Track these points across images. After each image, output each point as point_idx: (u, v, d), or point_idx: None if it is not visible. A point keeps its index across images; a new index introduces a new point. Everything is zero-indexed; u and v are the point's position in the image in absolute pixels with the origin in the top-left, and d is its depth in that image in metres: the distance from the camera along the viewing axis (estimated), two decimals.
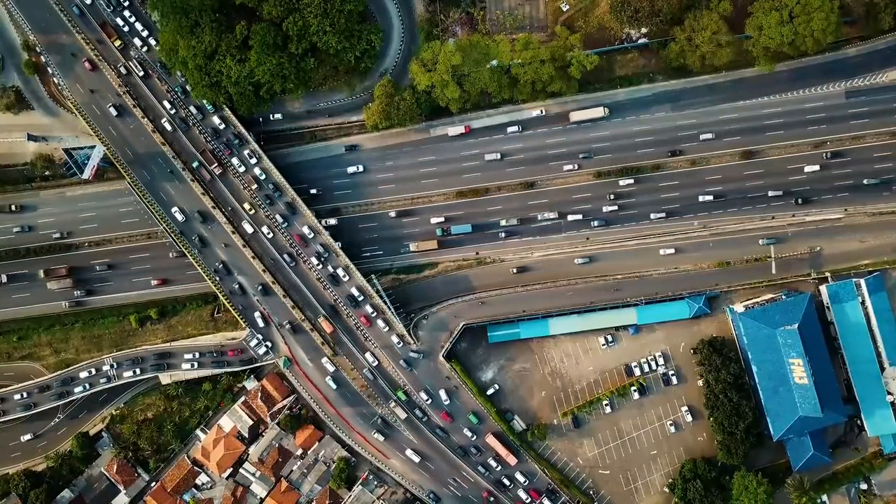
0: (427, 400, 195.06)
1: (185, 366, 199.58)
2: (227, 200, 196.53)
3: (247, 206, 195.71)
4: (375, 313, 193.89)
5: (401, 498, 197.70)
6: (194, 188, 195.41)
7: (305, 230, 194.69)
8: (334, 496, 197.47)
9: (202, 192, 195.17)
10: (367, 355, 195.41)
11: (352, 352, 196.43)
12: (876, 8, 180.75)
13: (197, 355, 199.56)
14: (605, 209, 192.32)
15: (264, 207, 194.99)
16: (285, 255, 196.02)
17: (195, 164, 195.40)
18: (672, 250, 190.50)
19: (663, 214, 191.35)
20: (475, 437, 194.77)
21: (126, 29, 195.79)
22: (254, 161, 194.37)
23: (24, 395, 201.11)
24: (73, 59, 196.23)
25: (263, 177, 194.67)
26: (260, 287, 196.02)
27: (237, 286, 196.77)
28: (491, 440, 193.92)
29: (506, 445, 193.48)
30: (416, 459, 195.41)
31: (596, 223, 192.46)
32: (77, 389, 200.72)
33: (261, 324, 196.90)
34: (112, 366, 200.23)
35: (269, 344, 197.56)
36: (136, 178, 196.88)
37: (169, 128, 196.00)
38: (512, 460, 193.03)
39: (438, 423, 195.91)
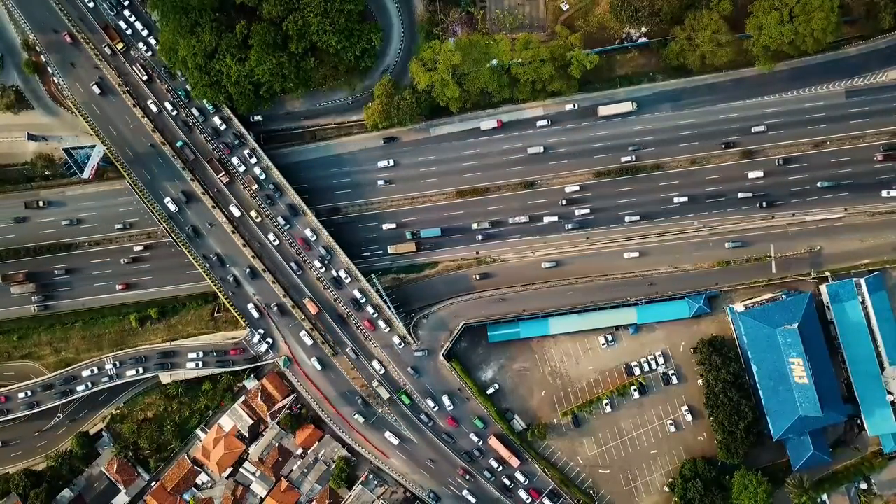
0: (434, 407, 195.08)
1: (190, 365, 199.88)
2: (229, 203, 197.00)
3: (253, 213, 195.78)
4: (376, 313, 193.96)
5: (401, 497, 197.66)
6: (195, 187, 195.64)
7: (308, 232, 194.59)
8: (334, 496, 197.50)
9: (202, 191, 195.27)
10: (374, 363, 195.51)
11: (354, 353, 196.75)
12: (876, 7, 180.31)
13: (201, 354, 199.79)
14: (577, 213, 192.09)
15: (265, 208, 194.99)
16: (292, 264, 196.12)
17: (179, 144, 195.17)
18: (636, 254, 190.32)
19: (637, 217, 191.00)
20: (480, 441, 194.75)
21: (129, 32, 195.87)
22: (254, 161, 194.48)
23: (28, 393, 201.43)
24: (72, 63, 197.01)
25: (263, 176, 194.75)
26: (248, 270, 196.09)
27: (232, 279, 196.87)
28: (493, 442, 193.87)
29: (508, 447, 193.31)
30: (395, 441, 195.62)
31: (570, 226, 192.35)
32: (79, 388, 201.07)
33: (256, 316, 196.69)
34: (114, 364, 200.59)
35: (269, 341, 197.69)
36: (136, 178, 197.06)
37: (155, 109, 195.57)
38: (514, 462, 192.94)
39: (444, 427, 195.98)
